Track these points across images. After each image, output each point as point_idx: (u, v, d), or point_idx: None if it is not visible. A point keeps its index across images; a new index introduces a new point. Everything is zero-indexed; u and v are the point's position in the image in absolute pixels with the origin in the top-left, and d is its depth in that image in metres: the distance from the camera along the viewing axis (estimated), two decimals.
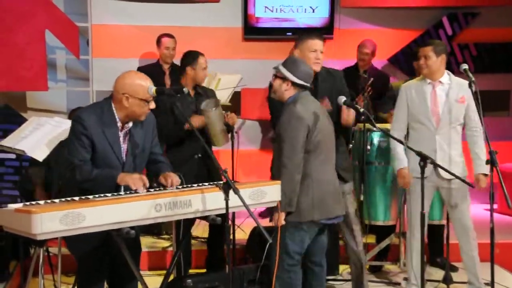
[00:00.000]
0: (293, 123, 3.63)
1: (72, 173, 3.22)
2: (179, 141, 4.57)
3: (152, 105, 3.29)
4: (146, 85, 3.25)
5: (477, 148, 4.34)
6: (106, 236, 3.02)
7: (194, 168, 4.50)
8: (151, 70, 5.98)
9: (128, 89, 3.24)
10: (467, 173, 4.38)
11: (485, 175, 4.27)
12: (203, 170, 4.54)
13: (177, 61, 5.57)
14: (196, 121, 4.47)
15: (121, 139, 3.33)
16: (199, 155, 4.55)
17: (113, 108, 3.30)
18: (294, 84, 3.71)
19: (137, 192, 3.10)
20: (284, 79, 3.72)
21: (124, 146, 3.34)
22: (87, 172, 3.20)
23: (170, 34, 6.18)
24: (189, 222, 4.09)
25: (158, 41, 6.18)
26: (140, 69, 6.11)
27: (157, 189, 3.28)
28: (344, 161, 4.23)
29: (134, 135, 3.37)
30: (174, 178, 3.32)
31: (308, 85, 3.74)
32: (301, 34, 4.25)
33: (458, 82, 4.35)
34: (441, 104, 4.30)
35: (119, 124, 3.31)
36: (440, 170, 4.17)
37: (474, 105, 4.29)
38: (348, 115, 4.04)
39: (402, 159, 4.37)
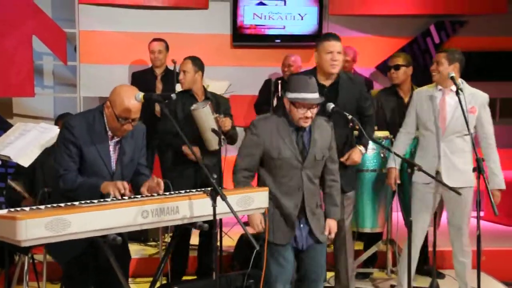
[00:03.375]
0: None
1: (57, 181, 3.20)
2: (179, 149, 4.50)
3: (129, 127, 3.23)
4: (122, 102, 3.16)
5: (491, 162, 4.30)
6: (92, 243, 2.99)
7: (191, 176, 4.46)
8: (143, 75, 6.03)
9: (111, 97, 3.23)
10: (475, 183, 4.12)
11: (500, 190, 4.28)
12: (200, 179, 4.50)
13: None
14: (196, 151, 4.32)
15: (111, 148, 3.30)
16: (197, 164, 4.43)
17: (104, 116, 3.27)
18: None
19: (123, 199, 3.08)
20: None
21: (114, 156, 3.31)
22: (71, 181, 3.18)
23: (158, 38, 6.15)
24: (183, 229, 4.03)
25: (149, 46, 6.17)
26: (134, 74, 6.18)
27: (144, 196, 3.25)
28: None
29: (125, 144, 3.34)
30: (158, 184, 3.27)
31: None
32: (319, 37, 4.16)
33: (471, 92, 4.29)
34: (449, 112, 4.24)
35: (109, 133, 3.28)
36: (443, 177, 4.18)
37: (487, 116, 4.28)
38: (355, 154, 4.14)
39: (395, 159, 4.37)
